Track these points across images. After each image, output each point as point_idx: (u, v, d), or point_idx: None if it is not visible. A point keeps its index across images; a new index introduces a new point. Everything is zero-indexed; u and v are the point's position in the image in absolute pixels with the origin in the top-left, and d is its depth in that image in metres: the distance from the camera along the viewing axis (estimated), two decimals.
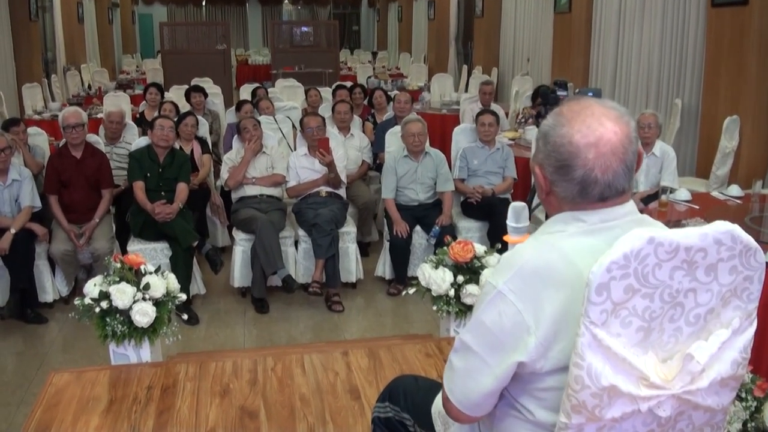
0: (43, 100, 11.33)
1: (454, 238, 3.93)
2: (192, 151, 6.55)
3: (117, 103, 9.21)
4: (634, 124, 1.60)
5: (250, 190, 5.89)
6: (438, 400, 2.04)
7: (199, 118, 6.98)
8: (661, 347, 1.49)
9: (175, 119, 6.42)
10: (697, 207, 5.12)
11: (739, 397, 2.35)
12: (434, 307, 3.65)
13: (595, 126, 1.55)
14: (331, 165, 5.79)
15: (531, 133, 7.12)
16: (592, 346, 1.42)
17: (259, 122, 6.20)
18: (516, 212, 2.58)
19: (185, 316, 5.13)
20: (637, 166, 1.62)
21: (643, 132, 5.66)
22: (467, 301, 3.55)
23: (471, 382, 1.65)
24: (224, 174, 6.02)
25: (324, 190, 5.89)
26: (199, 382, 3.20)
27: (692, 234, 1.44)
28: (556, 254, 1.55)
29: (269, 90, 9.86)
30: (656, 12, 8.18)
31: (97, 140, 6.10)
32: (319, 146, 5.77)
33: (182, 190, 5.60)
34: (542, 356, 1.53)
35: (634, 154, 1.58)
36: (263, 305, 5.48)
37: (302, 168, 5.93)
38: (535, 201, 4.13)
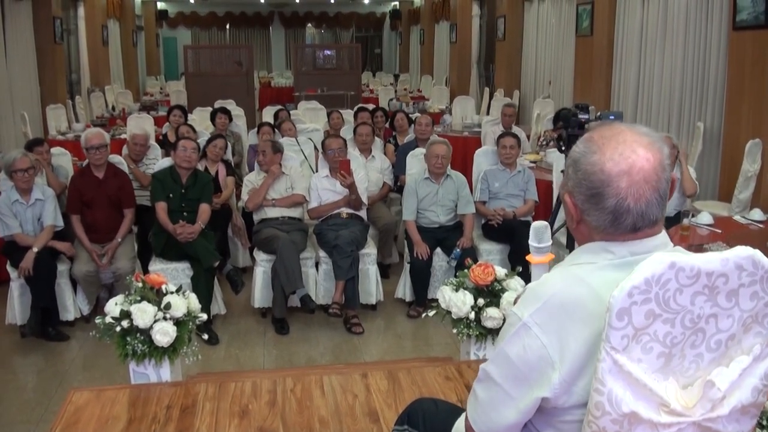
0: (67, 121, 11.45)
1: (475, 260, 3.92)
2: (217, 172, 6.61)
3: (141, 124, 9.33)
4: (667, 151, 1.56)
5: (271, 212, 5.91)
6: (458, 425, 2.03)
7: None
8: (682, 373, 1.48)
9: (198, 140, 6.47)
10: (719, 231, 5.09)
11: (760, 425, 2.32)
12: (454, 330, 3.64)
13: (628, 153, 1.52)
14: (352, 186, 5.79)
15: (552, 155, 7.10)
16: (612, 371, 1.41)
17: (278, 146, 6.18)
18: (538, 232, 2.56)
19: (205, 336, 5.14)
20: (670, 193, 1.58)
21: None
22: (488, 324, 3.53)
23: (494, 414, 1.63)
24: (244, 196, 6.05)
25: (345, 211, 5.90)
26: (218, 403, 3.20)
27: (713, 259, 1.42)
28: (584, 289, 1.52)
29: (292, 112, 9.91)
30: (678, 35, 8.18)
31: (121, 161, 6.15)
32: (340, 168, 5.79)
33: (204, 210, 5.63)
34: (565, 392, 1.51)
35: (667, 182, 1.55)
36: (283, 326, 5.48)
37: (324, 189, 5.95)
38: (557, 223, 4.11)
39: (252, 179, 6.11)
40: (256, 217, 6.00)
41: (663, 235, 1.60)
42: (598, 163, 1.54)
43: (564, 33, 12.07)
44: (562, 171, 5.91)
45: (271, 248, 5.52)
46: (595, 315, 1.47)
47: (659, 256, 1.40)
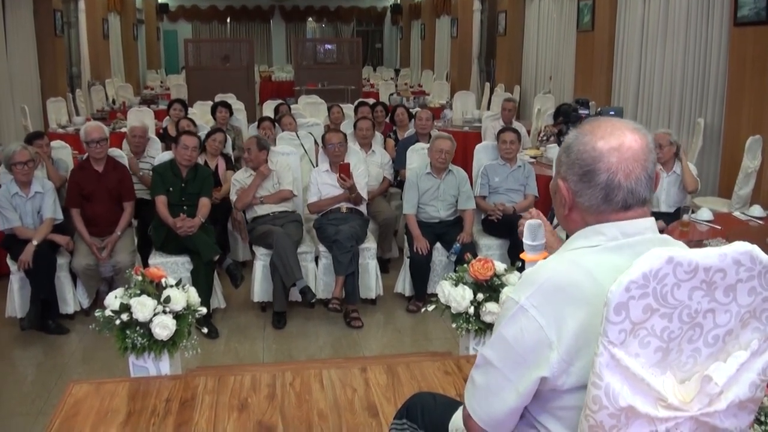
0: (68, 115, 11.45)
1: (475, 255, 3.93)
2: (216, 166, 6.61)
3: (140, 117, 9.33)
4: (651, 137, 1.64)
5: (261, 210, 5.92)
6: (456, 418, 2.03)
7: None
8: (679, 368, 1.48)
9: (198, 134, 6.46)
10: (719, 227, 5.09)
11: (758, 421, 2.32)
12: (453, 325, 3.64)
13: (618, 134, 1.60)
14: (352, 188, 5.80)
15: (552, 151, 7.11)
16: (610, 365, 1.42)
17: (264, 143, 6.12)
18: (532, 230, 2.56)
19: (205, 330, 5.14)
20: (655, 185, 1.64)
21: (658, 152, 5.64)
22: (487, 319, 3.53)
23: (494, 399, 1.64)
24: (233, 195, 6.04)
25: (345, 206, 5.90)
26: (217, 396, 3.20)
27: (711, 254, 1.43)
28: (578, 270, 1.55)
29: (292, 106, 9.91)
30: (679, 31, 8.17)
31: (121, 154, 6.15)
32: (340, 171, 5.79)
33: (204, 204, 5.63)
34: (564, 372, 1.52)
35: (653, 164, 1.62)
36: (280, 319, 5.49)
37: (324, 184, 5.95)
38: (556, 220, 4.12)
39: (239, 178, 6.09)
40: (248, 216, 6.01)
41: (651, 219, 1.64)
42: (590, 142, 1.62)
43: (565, 28, 12.06)
44: None
45: (268, 243, 5.53)
46: (591, 295, 1.50)
47: (657, 251, 1.41)
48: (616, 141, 1.59)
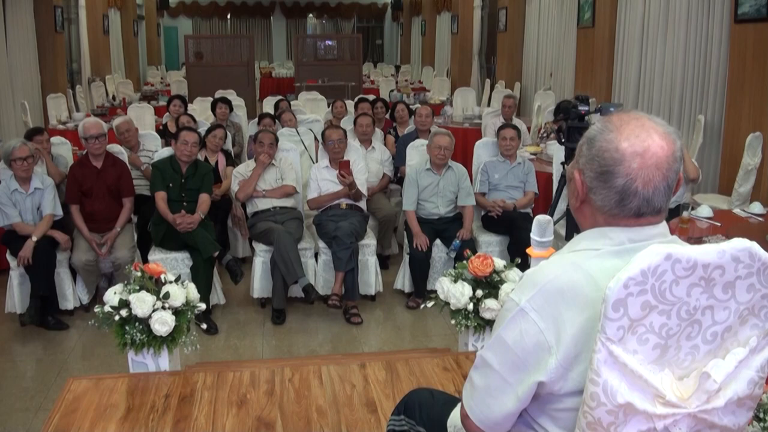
0: (68, 111, 11.44)
1: (474, 252, 3.92)
2: (217, 162, 6.60)
3: (139, 114, 9.38)
4: (680, 144, 1.57)
5: (262, 204, 5.91)
6: (454, 414, 2.03)
7: None
8: (677, 365, 1.48)
9: (198, 129, 6.46)
10: (719, 224, 5.08)
11: (757, 417, 2.32)
12: (453, 321, 3.64)
13: (644, 137, 1.53)
14: (351, 185, 5.80)
15: (552, 147, 7.09)
16: (608, 362, 1.41)
17: (276, 138, 6.18)
18: (541, 226, 2.56)
19: (204, 326, 5.14)
20: (676, 189, 1.59)
21: None
22: (486, 315, 3.53)
23: (492, 401, 1.63)
24: (234, 187, 6.05)
25: (344, 202, 5.90)
26: (216, 392, 3.21)
27: (710, 251, 1.42)
28: (581, 275, 1.53)
29: (292, 102, 9.90)
30: (679, 27, 8.15)
31: (120, 150, 6.13)
32: (340, 168, 5.78)
33: (204, 200, 5.63)
34: (561, 377, 1.52)
35: (676, 174, 1.56)
36: (280, 316, 5.49)
37: (323, 180, 5.95)
38: (556, 215, 4.12)
39: (241, 171, 6.11)
40: (249, 210, 6.01)
41: (663, 225, 1.60)
42: (614, 141, 1.55)
43: (565, 25, 12.03)
44: (562, 163, 5.90)
45: (268, 241, 5.52)
46: (592, 300, 1.48)
47: (655, 247, 1.40)
48: (642, 145, 1.52)
